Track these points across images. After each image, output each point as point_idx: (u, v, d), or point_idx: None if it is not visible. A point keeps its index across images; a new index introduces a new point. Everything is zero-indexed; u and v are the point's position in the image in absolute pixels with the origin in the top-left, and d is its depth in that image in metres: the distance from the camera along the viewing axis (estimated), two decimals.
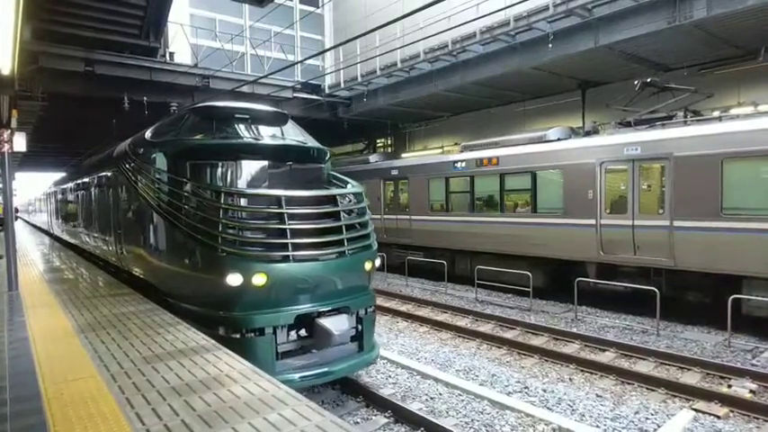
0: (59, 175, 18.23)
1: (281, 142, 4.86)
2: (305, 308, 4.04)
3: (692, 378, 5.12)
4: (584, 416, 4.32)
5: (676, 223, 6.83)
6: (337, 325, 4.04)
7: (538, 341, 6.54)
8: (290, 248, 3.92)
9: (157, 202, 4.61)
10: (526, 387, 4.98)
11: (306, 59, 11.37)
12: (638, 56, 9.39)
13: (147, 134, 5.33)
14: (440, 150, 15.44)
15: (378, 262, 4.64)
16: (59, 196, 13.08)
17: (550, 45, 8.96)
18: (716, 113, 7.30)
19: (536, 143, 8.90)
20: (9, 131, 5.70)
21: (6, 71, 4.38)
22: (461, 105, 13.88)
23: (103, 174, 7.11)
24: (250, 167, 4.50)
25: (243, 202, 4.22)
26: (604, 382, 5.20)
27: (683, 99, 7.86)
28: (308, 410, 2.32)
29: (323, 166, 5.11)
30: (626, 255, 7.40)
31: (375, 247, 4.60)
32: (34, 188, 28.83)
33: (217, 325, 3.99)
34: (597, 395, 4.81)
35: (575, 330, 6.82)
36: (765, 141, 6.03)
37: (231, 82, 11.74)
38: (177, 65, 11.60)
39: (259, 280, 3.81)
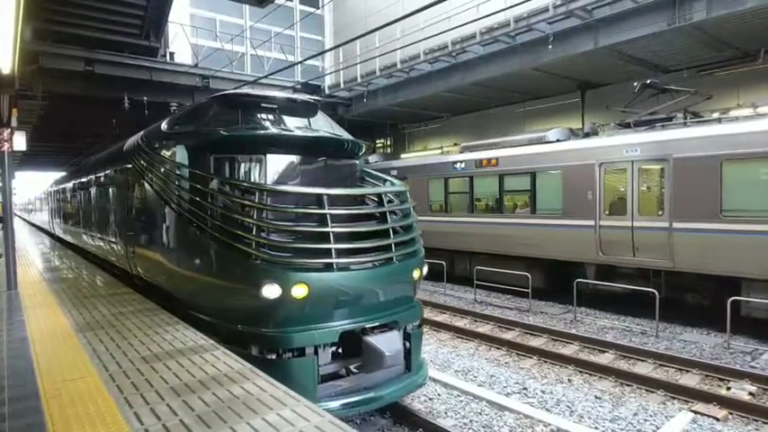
0: (59, 174, 18.11)
1: (317, 134, 4.31)
2: (350, 324, 3.51)
3: (690, 380, 5.12)
4: (582, 417, 4.32)
5: (675, 225, 6.83)
6: (389, 344, 3.48)
7: (537, 342, 6.54)
8: (333, 255, 3.39)
9: (177, 200, 4.09)
10: (525, 388, 4.98)
11: (306, 60, 11.39)
12: (637, 57, 9.41)
13: (164, 126, 4.79)
14: (439, 151, 15.45)
15: (425, 270, 4.09)
16: (61, 195, 12.39)
17: (550, 46, 8.98)
18: (715, 115, 7.31)
19: (535, 144, 8.91)
20: (9, 130, 5.71)
21: (7, 70, 4.38)
22: (461, 106, 13.89)
23: (112, 170, 6.52)
24: (281, 162, 3.98)
25: (273, 201, 3.64)
26: (603, 383, 5.20)
27: (683, 101, 7.87)
28: (307, 411, 2.32)
29: (357, 162, 4.57)
30: (625, 256, 7.41)
31: (422, 253, 4.07)
32: (34, 186, 28.82)
33: (249, 343, 3.48)
34: (596, 396, 4.81)
35: (574, 331, 6.82)
36: (765, 143, 6.05)
37: (231, 82, 11.75)
38: (177, 65, 11.61)
39: (299, 292, 3.28)
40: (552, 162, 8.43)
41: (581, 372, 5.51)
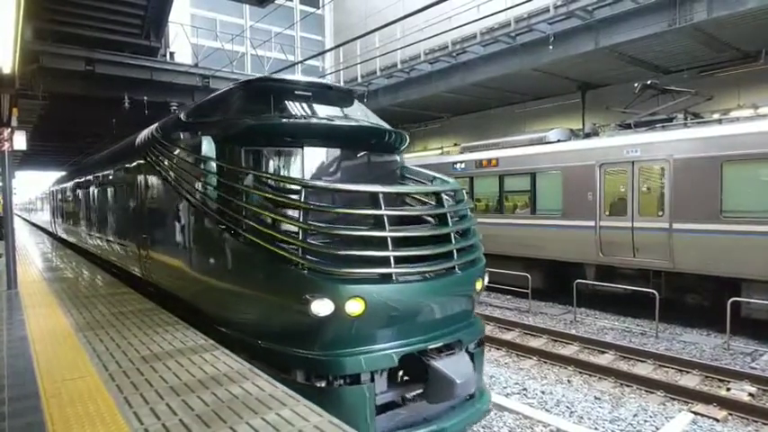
0: (59, 173, 18.01)
1: (362, 124, 3.87)
2: (410, 345, 3.02)
3: (690, 381, 5.12)
4: (582, 418, 4.32)
5: (676, 225, 6.83)
6: (459, 369, 3.00)
7: (537, 342, 6.54)
8: (392, 263, 2.92)
9: (201, 198, 3.62)
10: (524, 389, 4.98)
11: (306, 60, 11.39)
12: (638, 58, 9.41)
13: (183, 116, 4.35)
14: (439, 151, 15.45)
15: (486, 279, 3.62)
16: (65, 194, 11.77)
17: (551, 47, 8.98)
18: (716, 116, 7.31)
19: (536, 145, 8.92)
20: (9, 130, 5.71)
21: (7, 70, 4.39)
22: (461, 106, 13.90)
23: (122, 166, 5.98)
24: (319, 156, 3.56)
25: (318, 200, 3.23)
26: (603, 384, 5.19)
27: (683, 101, 7.87)
28: (307, 411, 2.32)
29: (398, 157, 4.16)
30: (625, 257, 7.41)
31: (484, 261, 3.58)
32: (34, 186, 28.85)
33: (293, 368, 2.99)
34: (596, 397, 4.80)
35: (573, 332, 6.81)
36: (765, 144, 6.04)
37: (231, 82, 11.75)
38: (177, 64, 11.61)
39: (354, 307, 2.81)
40: (552, 162, 8.43)
41: (581, 372, 5.51)
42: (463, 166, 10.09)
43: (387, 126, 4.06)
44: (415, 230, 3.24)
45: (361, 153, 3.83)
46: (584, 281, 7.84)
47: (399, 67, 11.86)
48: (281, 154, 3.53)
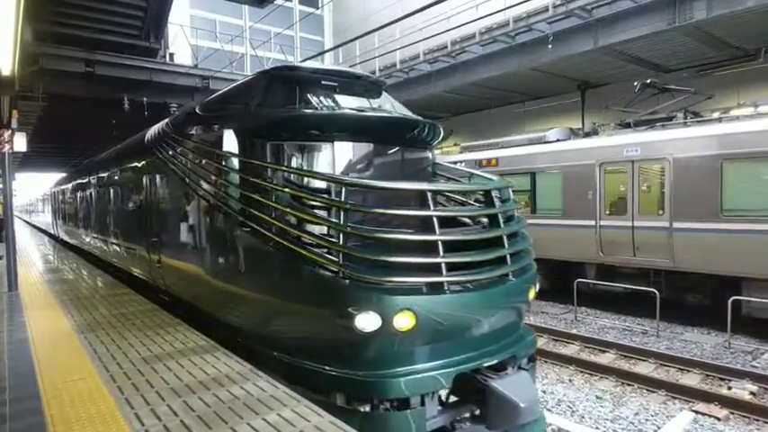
0: (59, 175, 17.98)
1: (399, 115, 3.58)
2: (464, 362, 2.71)
3: (691, 379, 5.11)
4: (583, 417, 4.32)
5: (676, 224, 6.83)
6: (522, 390, 2.70)
7: (538, 342, 6.53)
8: (443, 271, 2.60)
9: (221, 198, 3.31)
10: None
11: (306, 60, 11.40)
12: (637, 57, 9.41)
13: (199, 108, 4.02)
14: (438, 151, 15.45)
15: (537, 286, 3.30)
16: (67, 195, 11.34)
17: (550, 46, 8.98)
18: (716, 115, 7.31)
19: (535, 144, 8.91)
20: (9, 132, 5.71)
21: (7, 72, 4.39)
22: (461, 106, 13.90)
23: (130, 165, 5.64)
24: (351, 151, 3.25)
25: (356, 199, 2.90)
26: (604, 383, 5.19)
27: (683, 100, 7.87)
28: (307, 411, 2.32)
29: (430, 153, 3.84)
30: (626, 256, 7.40)
31: (535, 266, 3.27)
32: (34, 187, 28.87)
33: (331, 389, 2.69)
34: (597, 396, 4.80)
35: (574, 331, 6.81)
36: (766, 143, 6.04)
37: (231, 83, 11.76)
38: (177, 65, 11.61)
39: (404, 322, 2.50)
40: (552, 162, 8.43)
41: (582, 372, 5.51)
42: (463, 165, 10.08)
43: (421, 118, 3.67)
44: (467, 233, 2.93)
45: (394, 148, 3.49)
46: (584, 280, 7.83)
47: (399, 67, 11.87)
48: (310, 149, 3.18)
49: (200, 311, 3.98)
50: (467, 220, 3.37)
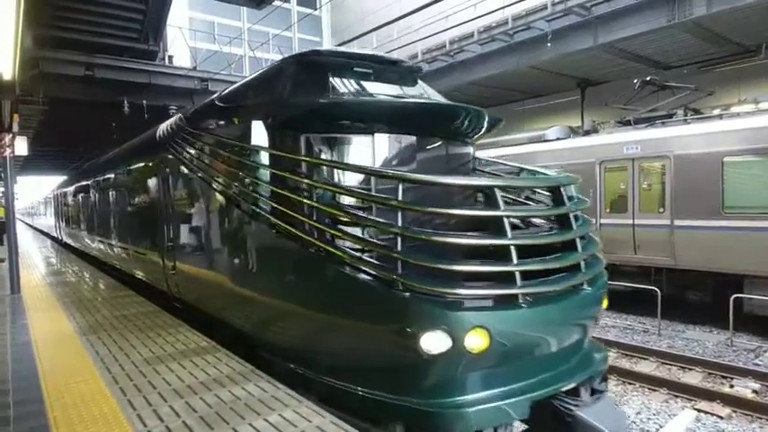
0: (60, 178, 18.00)
1: (451, 103, 3.21)
2: (540, 387, 2.35)
3: (693, 378, 5.10)
4: None
5: (677, 222, 6.82)
6: (612, 419, 2.41)
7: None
8: (517, 281, 2.24)
9: (249, 198, 2.98)
10: None
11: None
12: (637, 54, 9.39)
13: (219, 100, 3.67)
14: None
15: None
16: (71, 197, 10.96)
17: (549, 44, 8.98)
18: (716, 111, 7.30)
19: (535, 143, 8.90)
20: (10, 136, 5.74)
21: (8, 76, 4.40)
22: None
23: (140, 164, 5.31)
24: (393, 145, 2.90)
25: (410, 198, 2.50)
26: None
27: (683, 97, 7.85)
28: (309, 411, 2.33)
29: (471, 147, 3.47)
30: (626, 254, 7.39)
31: (606, 273, 2.89)
32: (35, 191, 28.95)
33: (388, 419, 2.35)
34: None
35: None
36: (767, 139, 6.02)
37: (230, 85, 11.77)
38: (176, 68, 11.64)
39: (476, 342, 2.14)
40: (552, 160, 8.41)
41: None
42: None
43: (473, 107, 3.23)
44: (538, 236, 2.57)
45: (437, 141, 3.13)
46: None
47: None
48: (347, 143, 2.83)
49: (221, 323, 3.64)
50: (516, 221, 2.92)
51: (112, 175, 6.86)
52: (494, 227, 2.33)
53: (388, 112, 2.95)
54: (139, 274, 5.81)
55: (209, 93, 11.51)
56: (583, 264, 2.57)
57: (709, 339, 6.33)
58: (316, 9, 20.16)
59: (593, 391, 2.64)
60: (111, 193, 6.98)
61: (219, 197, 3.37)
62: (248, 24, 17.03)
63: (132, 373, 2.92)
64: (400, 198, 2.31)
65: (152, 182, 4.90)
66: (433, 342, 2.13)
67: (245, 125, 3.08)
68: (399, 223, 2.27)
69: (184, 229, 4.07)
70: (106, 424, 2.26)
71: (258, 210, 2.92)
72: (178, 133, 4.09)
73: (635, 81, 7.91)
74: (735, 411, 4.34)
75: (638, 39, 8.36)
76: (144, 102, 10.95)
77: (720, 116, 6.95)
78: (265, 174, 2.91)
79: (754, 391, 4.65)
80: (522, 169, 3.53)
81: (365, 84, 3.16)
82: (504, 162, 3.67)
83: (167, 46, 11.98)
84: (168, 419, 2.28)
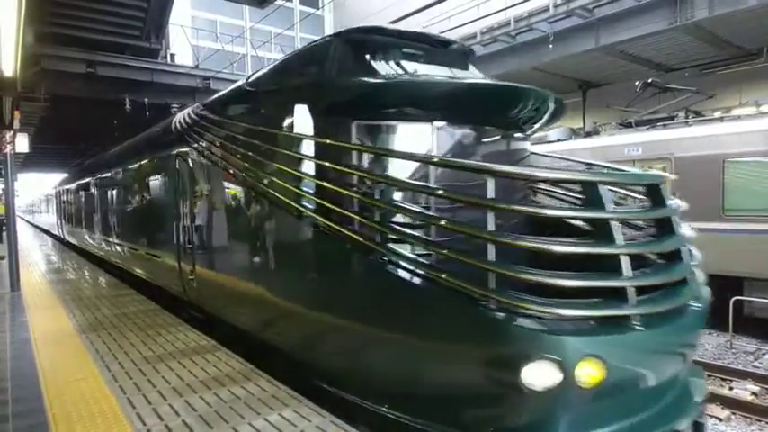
0: (61, 175, 17.95)
1: (524, 86, 2.64)
2: (654, 425, 1.98)
3: None
4: None
5: None
6: None
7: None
8: (631, 298, 1.85)
9: (290, 195, 2.60)
10: None
11: None
12: (639, 56, 9.39)
13: (249, 85, 3.31)
14: None
15: None
16: (74, 193, 10.51)
17: (551, 46, 8.97)
18: (717, 114, 7.30)
19: (536, 144, 8.89)
20: (12, 133, 5.74)
21: (9, 73, 4.40)
22: None
23: (154, 157, 4.90)
24: (455, 135, 2.56)
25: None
26: None
27: (685, 99, 7.85)
28: (308, 411, 2.32)
29: (527, 139, 3.09)
30: None
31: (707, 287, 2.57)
32: (35, 188, 28.96)
33: None
34: None
35: None
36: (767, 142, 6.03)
37: (232, 83, 11.78)
38: (178, 66, 11.65)
39: (589, 374, 1.74)
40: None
41: None
42: None
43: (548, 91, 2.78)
44: (648, 245, 2.17)
45: (498, 131, 2.75)
46: None
47: None
48: (405, 132, 2.45)
49: (249, 336, 3.27)
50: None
51: (120, 171, 6.43)
52: (599, 231, 1.90)
53: (460, 96, 2.49)
54: (151, 277, 5.40)
55: (210, 91, 11.52)
56: (690, 279, 2.21)
57: (708, 341, 6.33)
58: (318, 8, 20.17)
59: (696, 426, 2.18)
60: (118, 189, 6.58)
61: (249, 193, 2.97)
62: (250, 23, 17.03)
63: (132, 371, 2.92)
64: (491, 195, 1.87)
65: (166, 177, 4.50)
66: (539, 374, 1.70)
67: (285, 111, 2.68)
68: (491, 226, 1.84)
69: (208, 229, 3.64)
70: (105, 422, 2.26)
71: (305, 208, 2.52)
72: (199, 123, 3.71)
73: (636, 83, 7.90)
74: (734, 414, 4.34)
75: (639, 41, 8.36)
76: (146, 100, 10.95)
77: (721, 119, 6.95)
78: (308, 166, 2.53)
79: (754, 394, 4.65)
80: (590, 164, 3.09)
81: (415, 66, 2.76)
82: (566, 157, 3.25)
83: (169, 44, 11.99)
84: (168, 418, 2.27)
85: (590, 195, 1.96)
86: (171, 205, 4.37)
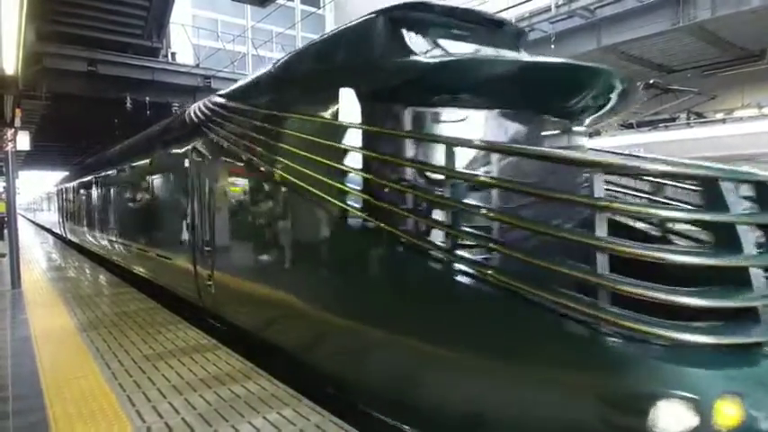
0: (61, 173, 17.96)
1: (601, 66, 2.29)
2: None
3: None
4: None
5: None
6: None
7: None
8: (765, 320, 1.51)
9: (333, 193, 2.29)
10: None
11: None
12: (640, 57, 9.39)
13: (279, 70, 3.00)
14: None
15: None
16: (77, 192, 10.19)
17: (552, 46, 8.97)
18: (719, 116, 7.29)
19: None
20: (13, 130, 5.75)
21: (10, 71, 4.41)
22: None
23: (167, 151, 4.56)
24: (517, 125, 2.28)
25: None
26: None
27: (686, 101, 7.85)
28: (308, 410, 2.32)
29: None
30: None
31: None
32: (35, 186, 29.02)
33: None
34: None
35: None
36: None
37: (232, 83, 11.79)
38: (179, 65, 11.67)
39: (728, 414, 1.39)
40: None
41: None
42: None
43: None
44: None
45: (560, 121, 2.45)
46: None
47: None
48: (466, 120, 2.14)
49: (281, 351, 2.93)
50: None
51: (128, 167, 6.11)
52: (719, 237, 1.57)
53: (531, 78, 2.15)
54: (161, 280, 5.05)
55: (211, 90, 11.53)
56: None
57: None
58: (319, 8, 20.18)
59: None
60: (125, 185, 6.31)
61: (284, 189, 2.63)
62: (252, 22, 17.04)
63: (132, 369, 2.92)
64: (600, 194, 1.54)
65: (179, 173, 4.14)
66: (672, 418, 1.36)
67: (331, 94, 2.34)
68: (601, 231, 1.51)
69: (233, 230, 3.30)
70: (105, 420, 2.26)
71: (347, 207, 2.21)
72: (220, 114, 3.36)
73: (638, 84, 7.89)
74: None
75: (641, 42, 8.36)
76: (146, 98, 10.96)
77: (723, 120, 6.95)
78: (355, 159, 2.22)
79: None
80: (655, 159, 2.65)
81: (464, 46, 2.48)
82: (617, 151, 2.97)
83: (170, 43, 12.00)
84: (167, 416, 2.27)
85: (710, 194, 1.58)
86: (185, 203, 4.00)
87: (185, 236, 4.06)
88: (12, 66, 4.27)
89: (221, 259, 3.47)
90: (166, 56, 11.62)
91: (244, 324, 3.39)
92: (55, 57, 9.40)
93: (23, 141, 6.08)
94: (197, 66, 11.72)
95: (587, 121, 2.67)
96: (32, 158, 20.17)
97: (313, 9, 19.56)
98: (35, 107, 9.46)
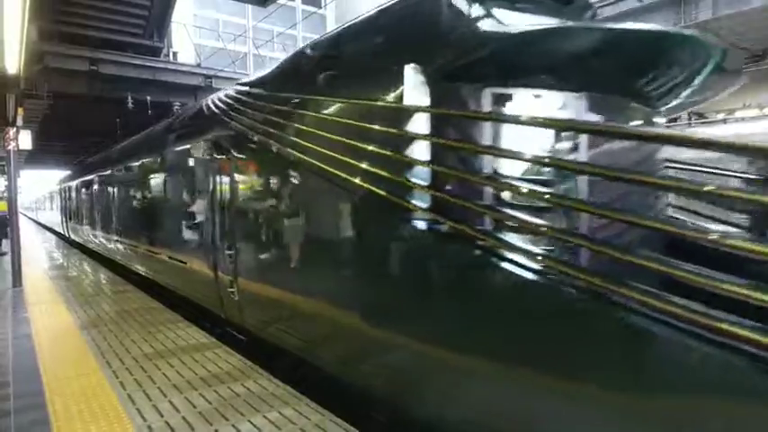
0: (64, 172, 17.95)
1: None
2: None
3: None
4: None
5: None
6: None
7: None
8: None
9: (393, 189, 1.93)
10: None
11: None
12: None
13: (312, 49, 2.76)
14: None
15: None
16: (81, 190, 9.78)
17: None
18: (720, 116, 7.28)
19: None
20: (15, 129, 5.77)
21: (13, 70, 4.42)
22: None
23: (182, 146, 4.17)
24: (602, 109, 1.88)
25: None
26: None
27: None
28: (308, 409, 2.33)
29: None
30: None
31: None
32: (36, 185, 29.07)
33: None
34: None
35: None
36: None
37: (234, 82, 11.81)
38: (180, 64, 11.69)
39: None
40: None
41: None
42: None
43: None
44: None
45: (642, 109, 2.12)
46: None
47: None
48: (549, 103, 1.79)
49: (314, 367, 2.63)
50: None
51: (138, 163, 5.69)
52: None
53: (625, 52, 1.79)
54: (174, 284, 4.70)
55: (213, 89, 11.56)
56: None
57: None
58: (320, 7, 20.19)
59: None
60: (135, 183, 5.91)
61: (327, 185, 2.26)
62: (253, 22, 17.07)
63: (132, 367, 2.93)
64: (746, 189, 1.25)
65: (198, 168, 3.79)
66: None
67: (389, 74, 1.95)
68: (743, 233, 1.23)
69: (257, 232, 2.97)
70: (106, 418, 2.27)
71: (422, 208, 1.83)
72: (245, 102, 3.03)
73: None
74: None
75: None
76: (148, 98, 10.99)
77: (724, 120, 6.94)
78: (422, 149, 1.85)
79: None
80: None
81: (531, 20, 2.05)
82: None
83: (172, 42, 12.03)
84: (168, 415, 2.28)
85: None
86: (203, 201, 3.62)
87: (204, 238, 3.65)
88: (14, 65, 4.28)
89: (248, 265, 3.04)
90: (168, 55, 11.65)
91: (273, 338, 2.97)
92: (57, 56, 9.43)
93: (25, 140, 6.10)
94: (198, 65, 11.74)
95: (668, 105, 2.26)
96: (34, 157, 20.22)
97: (314, 9, 19.58)
98: (37, 106, 9.48)
